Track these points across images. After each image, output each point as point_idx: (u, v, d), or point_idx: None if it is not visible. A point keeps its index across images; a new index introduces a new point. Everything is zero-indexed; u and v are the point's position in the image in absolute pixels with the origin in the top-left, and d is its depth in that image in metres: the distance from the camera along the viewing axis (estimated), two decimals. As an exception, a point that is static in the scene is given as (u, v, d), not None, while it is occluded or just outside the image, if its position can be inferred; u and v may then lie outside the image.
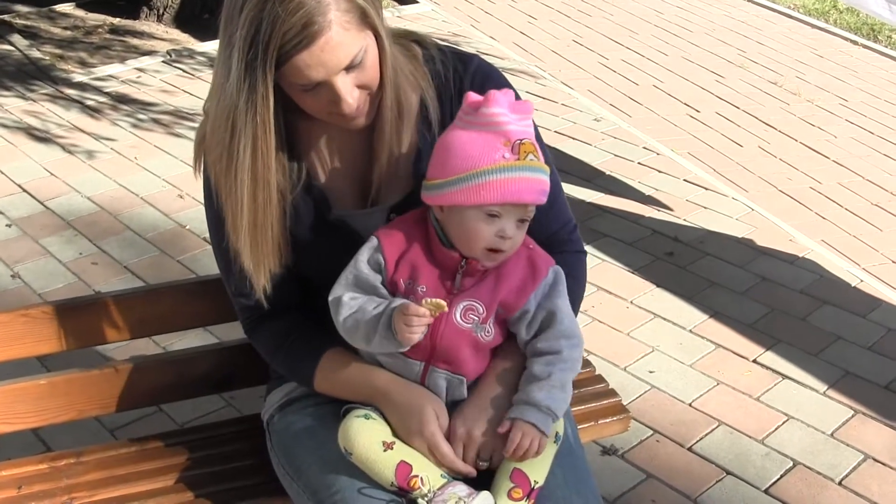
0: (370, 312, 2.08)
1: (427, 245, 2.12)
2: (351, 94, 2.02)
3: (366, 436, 2.08)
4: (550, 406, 2.08)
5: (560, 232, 2.33)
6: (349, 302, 2.11)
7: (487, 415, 2.12)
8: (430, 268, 2.10)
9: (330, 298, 2.14)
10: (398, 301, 2.07)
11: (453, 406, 2.15)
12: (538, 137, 2.15)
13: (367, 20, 1.97)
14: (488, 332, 2.13)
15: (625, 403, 2.96)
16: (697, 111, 7.11)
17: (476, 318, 2.11)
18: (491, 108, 1.99)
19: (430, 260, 2.10)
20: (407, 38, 2.23)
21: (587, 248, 4.75)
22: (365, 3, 1.96)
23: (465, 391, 2.16)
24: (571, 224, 2.39)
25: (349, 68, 1.98)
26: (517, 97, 2.11)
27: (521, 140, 2.00)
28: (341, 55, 1.95)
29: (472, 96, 2.03)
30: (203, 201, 2.30)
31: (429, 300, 2.02)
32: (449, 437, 2.11)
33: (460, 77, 2.23)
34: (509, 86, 2.27)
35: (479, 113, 2.01)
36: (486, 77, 2.24)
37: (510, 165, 1.98)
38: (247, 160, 2.02)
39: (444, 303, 2.02)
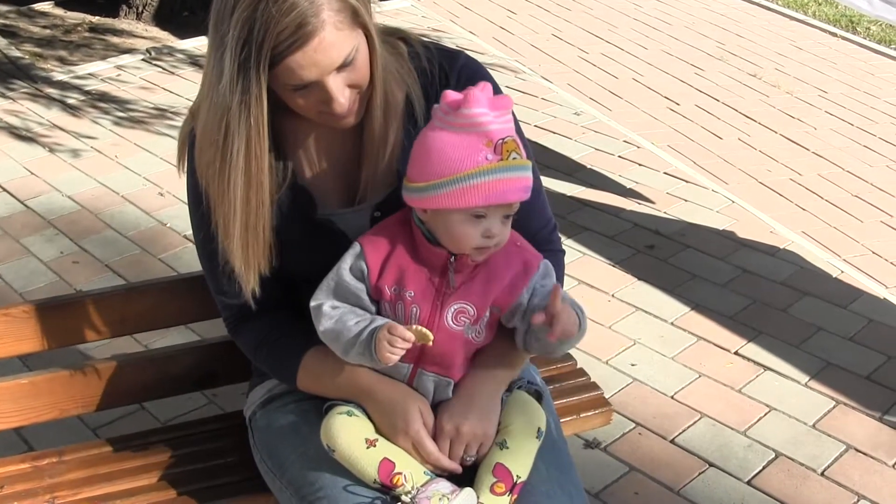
0: (351, 328, 2.07)
1: (412, 246, 2.10)
2: (343, 94, 2.02)
3: (348, 433, 2.08)
4: (573, 301, 2.10)
5: (541, 232, 2.33)
6: (330, 311, 2.10)
7: (475, 409, 2.13)
8: (418, 268, 2.08)
9: (311, 305, 2.13)
10: (381, 320, 2.07)
11: (437, 407, 2.16)
12: (519, 131, 2.14)
13: (358, 19, 1.97)
14: (479, 332, 2.13)
15: (607, 397, 2.97)
16: (677, 104, 7.12)
17: (467, 321, 2.10)
18: (472, 108, 1.96)
19: (416, 260, 2.08)
20: (392, 36, 2.22)
21: (568, 241, 4.80)
22: (356, 3, 1.96)
23: (451, 392, 2.16)
24: (552, 224, 2.40)
25: (341, 68, 1.98)
26: (498, 92, 2.11)
27: (503, 139, 1.97)
28: (334, 55, 1.95)
29: (451, 95, 2.01)
30: (187, 200, 2.29)
31: (417, 327, 2.01)
32: (436, 433, 2.12)
33: (446, 74, 2.23)
34: (494, 83, 2.27)
35: (459, 113, 1.97)
36: (473, 74, 2.24)
37: (494, 167, 1.96)
38: (240, 162, 2.02)
39: (430, 335, 2.01)
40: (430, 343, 2.03)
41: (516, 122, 2.14)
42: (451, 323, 2.09)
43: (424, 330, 2.01)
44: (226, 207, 2.08)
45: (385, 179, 2.19)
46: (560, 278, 2.36)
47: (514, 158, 1.99)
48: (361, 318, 2.09)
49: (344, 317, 2.09)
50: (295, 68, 1.94)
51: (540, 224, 2.35)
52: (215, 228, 2.14)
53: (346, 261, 2.11)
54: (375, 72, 2.07)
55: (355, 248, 2.10)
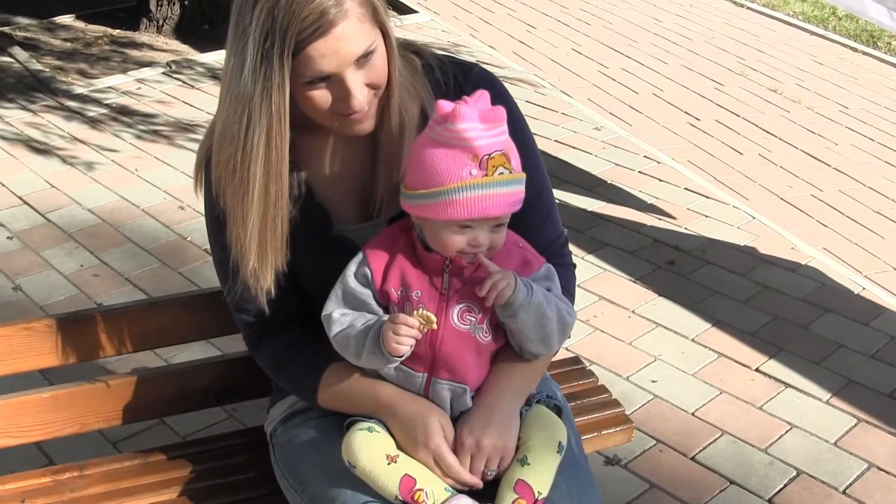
0: (359, 329, 2.09)
1: (412, 251, 2.12)
2: (361, 91, 2.02)
3: (369, 449, 2.08)
4: (530, 281, 2.10)
5: (552, 246, 2.33)
6: (340, 318, 2.13)
7: (494, 423, 2.12)
8: (418, 273, 2.11)
9: (322, 314, 2.15)
10: (387, 317, 2.08)
11: (456, 420, 2.15)
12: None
13: (377, 17, 1.99)
14: (486, 332, 2.13)
15: (628, 413, 2.96)
16: (697, 119, 7.12)
17: (473, 320, 2.11)
18: (457, 124, 1.98)
19: (416, 265, 2.11)
20: (406, 50, 2.23)
21: (589, 257, 4.79)
22: (377, 0, 1.98)
23: (469, 401, 2.16)
24: (563, 238, 2.40)
25: (360, 64, 1.99)
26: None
27: (489, 155, 1.98)
28: (356, 45, 1.96)
29: (443, 107, 2.01)
30: (205, 219, 2.30)
31: (420, 311, 2.03)
32: (456, 447, 2.11)
33: (460, 86, 2.23)
34: (508, 94, 2.27)
35: (446, 127, 1.99)
36: (487, 85, 2.23)
37: (476, 183, 1.97)
38: (261, 151, 2.01)
39: (434, 317, 2.03)
40: (435, 326, 2.04)
41: (522, 126, 2.20)
42: (457, 322, 2.10)
43: (427, 313, 2.04)
44: (244, 202, 2.07)
45: (399, 193, 2.19)
46: (571, 292, 2.36)
47: (501, 174, 2.00)
48: (370, 320, 2.11)
49: (353, 322, 2.12)
50: (316, 57, 1.95)
51: (551, 237, 2.35)
52: (230, 237, 2.14)
53: (351, 268, 2.14)
54: (392, 74, 2.08)
55: (358, 256, 2.14)
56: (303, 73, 1.98)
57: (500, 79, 2.33)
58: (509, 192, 2.02)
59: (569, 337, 2.33)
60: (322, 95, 2.03)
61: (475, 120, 1.98)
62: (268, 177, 2.05)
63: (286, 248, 2.16)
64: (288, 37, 1.91)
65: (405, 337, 2.03)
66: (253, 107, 1.98)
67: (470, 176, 1.97)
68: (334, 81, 2.00)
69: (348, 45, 1.95)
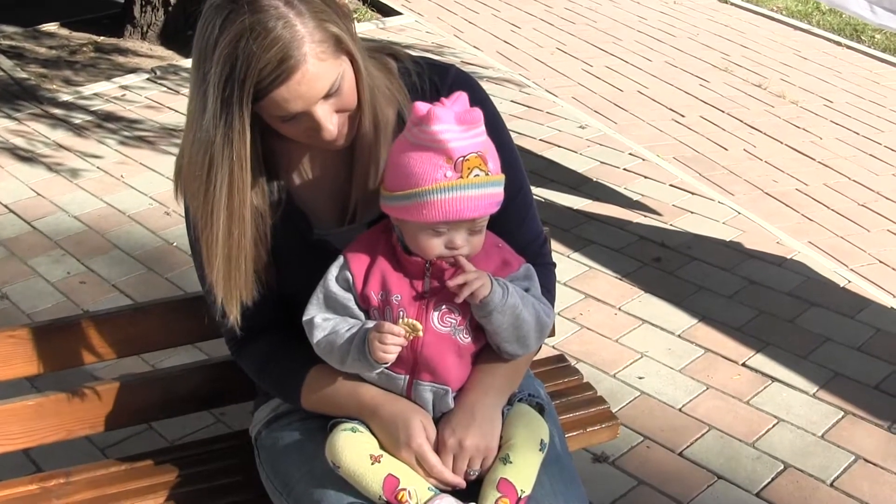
0: (343, 335, 2.10)
1: (393, 254, 2.13)
2: (330, 121, 2.03)
3: (353, 449, 2.09)
4: (507, 283, 2.11)
5: (531, 245, 2.33)
6: (322, 323, 2.13)
7: (476, 423, 2.12)
8: (399, 275, 2.11)
9: (304, 319, 2.16)
10: (371, 324, 2.09)
11: (439, 420, 2.16)
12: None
13: (341, 46, 1.98)
14: (467, 334, 2.15)
15: (614, 410, 2.97)
16: (682, 116, 7.13)
17: (453, 322, 2.12)
18: (432, 125, 1.98)
19: (396, 268, 2.12)
20: (381, 52, 2.23)
21: (574, 255, 4.79)
22: (338, 31, 1.96)
23: (451, 402, 2.16)
24: (542, 237, 2.41)
25: (327, 96, 1.99)
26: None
27: (464, 157, 1.99)
28: (319, 86, 1.96)
29: (419, 109, 2.02)
30: (185, 227, 2.31)
31: (405, 320, 2.04)
32: (438, 447, 2.11)
33: (437, 88, 2.23)
34: (486, 95, 2.27)
35: (422, 129, 2.00)
36: (464, 87, 2.23)
37: (451, 185, 1.98)
38: (223, 197, 2.03)
39: (419, 325, 2.05)
40: (421, 334, 2.06)
41: (499, 127, 2.21)
42: (437, 325, 2.11)
43: (413, 321, 2.05)
44: (209, 238, 2.09)
45: (377, 197, 2.20)
46: (551, 291, 2.37)
47: (476, 176, 2.00)
48: (353, 325, 2.12)
49: (336, 326, 2.12)
50: (280, 102, 1.95)
51: (530, 237, 2.36)
52: (201, 266, 2.16)
53: (332, 272, 2.14)
54: (363, 95, 2.07)
55: (339, 260, 2.15)
56: (271, 112, 1.99)
57: (485, 79, 2.35)
58: (484, 193, 2.02)
59: (552, 335, 2.33)
60: (294, 126, 2.04)
61: (451, 122, 1.99)
62: (230, 220, 2.06)
63: (252, 284, 2.17)
64: (247, 86, 1.91)
65: (391, 346, 2.04)
66: (214, 152, 1.99)
67: (445, 178, 1.98)
68: (305, 116, 2.01)
69: (311, 88, 1.95)
